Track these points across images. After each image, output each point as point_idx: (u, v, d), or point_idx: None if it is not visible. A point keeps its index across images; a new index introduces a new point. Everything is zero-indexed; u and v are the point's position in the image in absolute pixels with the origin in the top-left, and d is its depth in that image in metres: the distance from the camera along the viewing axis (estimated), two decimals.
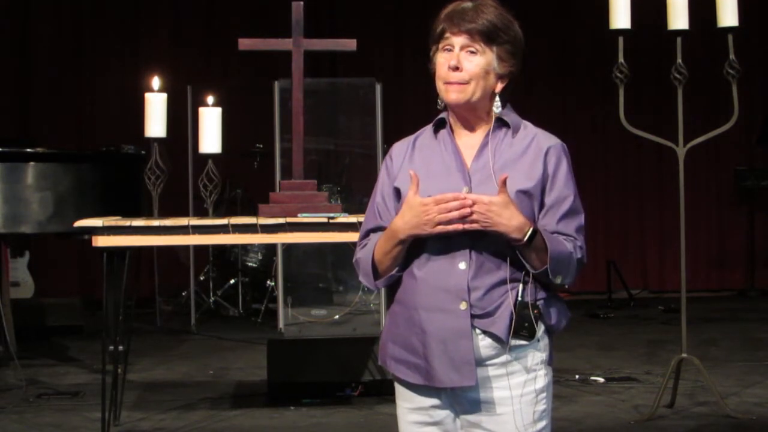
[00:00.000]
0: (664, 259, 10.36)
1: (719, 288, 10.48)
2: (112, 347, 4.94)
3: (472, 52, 2.43)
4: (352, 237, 4.64)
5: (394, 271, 2.46)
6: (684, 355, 5.25)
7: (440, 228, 2.34)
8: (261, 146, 8.84)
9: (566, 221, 2.43)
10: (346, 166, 8.49)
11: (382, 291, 7.91)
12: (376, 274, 2.48)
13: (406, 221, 2.38)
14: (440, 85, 2.47)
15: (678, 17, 5.12)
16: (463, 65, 2.42)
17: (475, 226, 2.34)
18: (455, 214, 2.33)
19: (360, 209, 5.28)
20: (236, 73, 9.73)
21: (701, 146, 5.62)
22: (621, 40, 5.20)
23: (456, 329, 2.37)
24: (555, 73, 10.31)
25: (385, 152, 7.97)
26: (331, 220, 4.67)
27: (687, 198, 5.40)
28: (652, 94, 9.48)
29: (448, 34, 2.44)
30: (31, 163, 5.97)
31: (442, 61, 2.46)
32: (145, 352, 7.13)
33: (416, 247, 2.42)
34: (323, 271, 8.50)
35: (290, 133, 5.17)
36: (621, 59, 5.21)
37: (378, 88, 7.96)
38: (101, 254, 4.81)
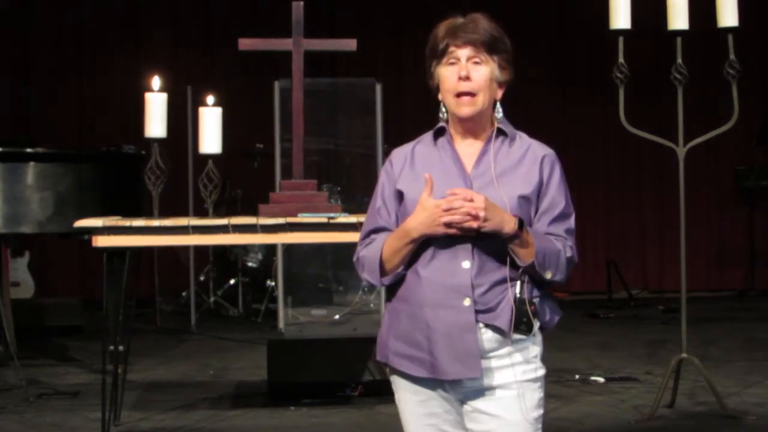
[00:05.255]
0: (664, 259, 10.35)
1: (719, 288, 10.47)
2: (112, 347, 4.95)
3: (477, 63, 2.56)
4: (352, 237, 4.64)
5: (400, 269, 2.56)
6: (684, 355, 5.25)
7: (453, 230, 2.47)
8: (261, 146, 8.84)
9: (557, 224, 2.58)
10: (346, 166, 8.49)
11: (382, 291, 7.91)
12: (383, 271, 2.58)
13: (420, 221, 2.50)
14: (450, 99, 2.57)
15: (678, 17, 5.12)
16: (471, 75, 2.53)
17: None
18: (466, 216, 2.44)
19: (360, 209, 5.27)
20: (236, 73, 9.73)
21: (701, 146, 5.62)
22: (621, 40, 5.20)
23: (461, 324, 2.49)
24: (555, 73, 10.31)
25: (385, 152, 8.03)
26: (331, 220, 4.67)
27: (687, 198, 5.40)
28: (652, 94, 9.48)
29: (452, 48, 2.56)
30: (31, 163, 5.97)
31: (448, 74, 2.56)
32: (145, 352, 7.13)
33: (420, 247, 2.54)
34: (323, 271, 8.51)
35: (290, 133, 5.17)
36: (621, 59, 5.21)
37: (378, 88, 7.95)
38: (101, 254, 4.81)
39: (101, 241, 4.65)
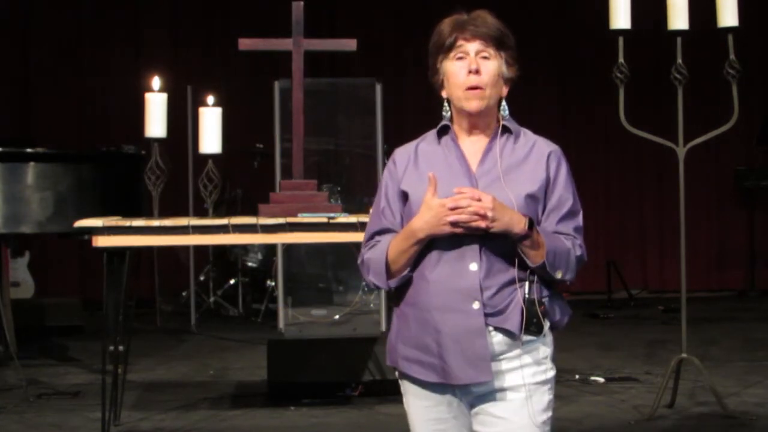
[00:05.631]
0: (664, 259, 10.35)
1: (719, 288, 10.47)
2: (112, 347, 4.95)
3: (485, 58, 2.52)
4: (352, 237, 4.64)
5: (406, 271, 2.52)
6: (684, 355, 5.25)
7: (459, 229, 2.43)
8: (261, 146, 8.84)
9: (565, 222, 2.54)
10: (346, 166, 8.49)
11: (382, 291, 7.91)
12: (389, 273, 2.53)
13: (425, 221, 2.45)
14: (459, 93, 2.52)
15: (678, 17, 5.12)
16: (480, 69, 2.50)
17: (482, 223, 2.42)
18: (473, 215, 2.40)
19: (360, 209, 5.28)
20: (236, 73, 9.73)
21: (701, 146, 5.62)
22: (621, 40, 5.20)
23: (470, 328, 2.46)
24: (555, 74, 10.32)
25: (385, 152, 8.03)
26: (331, 221, 4.67)
27: (687, 198, 5.40)
28: (652, 94, 9.48)
29: (461, 42, 2.51)
30: (31, 163, 5.97)
31: (456, 68, 2.52)
32: (145, 352, 7.13)
33: (426, 249, 2.49)
34: (323, 271, 8.50)
35: (290, 133, 5.17)
36: (621, 59, 5.21)
37: (378, 88, 7.95)
38: (101, 254, 4.81)
39: (101, 241, 4.65)
